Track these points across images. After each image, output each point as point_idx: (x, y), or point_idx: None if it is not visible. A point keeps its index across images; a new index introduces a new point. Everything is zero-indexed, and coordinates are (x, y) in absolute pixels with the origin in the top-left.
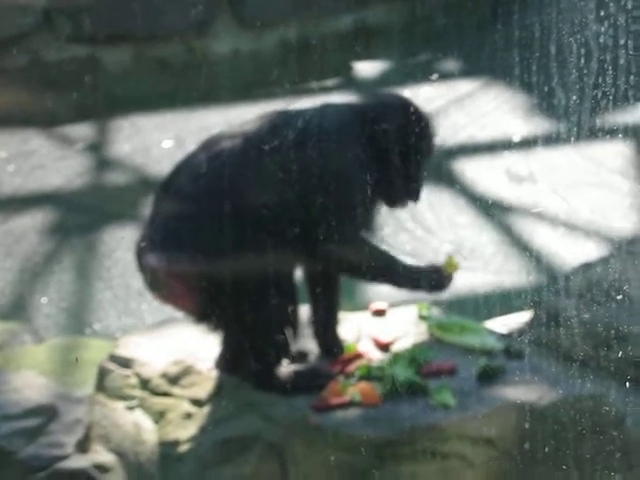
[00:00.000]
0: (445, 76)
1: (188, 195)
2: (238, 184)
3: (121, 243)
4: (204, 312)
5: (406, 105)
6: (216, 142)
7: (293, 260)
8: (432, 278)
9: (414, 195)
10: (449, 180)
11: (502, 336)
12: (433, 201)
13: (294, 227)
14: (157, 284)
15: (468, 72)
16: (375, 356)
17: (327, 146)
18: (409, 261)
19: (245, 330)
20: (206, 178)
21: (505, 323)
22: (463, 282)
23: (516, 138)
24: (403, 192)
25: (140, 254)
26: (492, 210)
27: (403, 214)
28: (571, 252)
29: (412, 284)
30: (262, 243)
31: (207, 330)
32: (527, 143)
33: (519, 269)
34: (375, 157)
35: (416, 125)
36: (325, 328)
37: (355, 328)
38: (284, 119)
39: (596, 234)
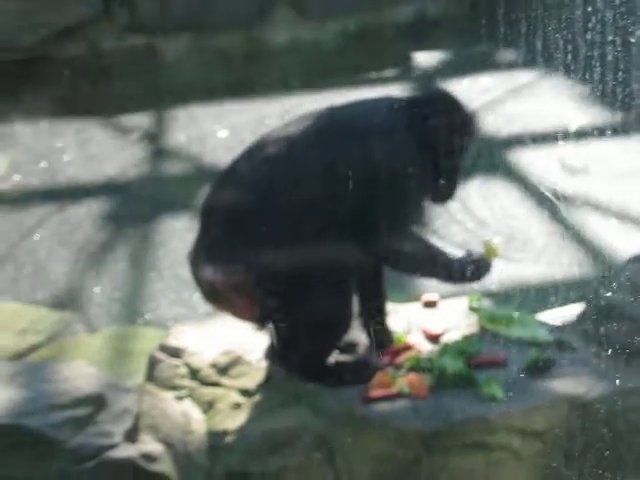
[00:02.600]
0: (504, 66)
1: (244, 203)
2: (296, 189)
3: (175, 233)
4: (263, 317)
5: (451, 101)
6: (268, 144)
7: (349, 254)
8: (470, 268)
9: (452, 190)
10: (503, 171)
11: (552, 328)
12: (486, 192)
13: (350, 223)
14: (215, 296)
15: (526, 63)
16: (425, 348)
17: (378, 141)
18: (456, 252)
19: (298, 323)
20: (262, 184)
21: (557, 315)
22: (514, 273)
23: (572, 129)
24: (445, 187)
25: (196, 266)
26: (545, 201)
27: (454, 206)
28: (623, 244)
29: (451, 277)
30: (321, 239)
31: (258, 327)
32: (583, 134)
33: (571, 261)
34: (422, 152)
35: (461, 121)
36: (374, 319)
37: (405, 319)
38: (334, 116)
39: None
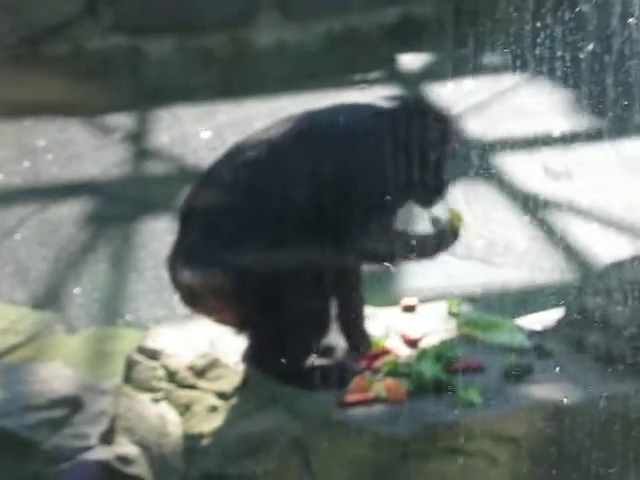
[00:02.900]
0: (488, 70)
1: (222, 206)
2: (274, 192)
3: (156, 234)
4: (243, 320)
5: (428, 108)
6: (248, 148)
7: (326, 256)
8: (440, 239)
9: (440, 194)
10: (487, 175)
11: (532, 334)
12: (469, 196)
13: (327, 225)
14: (193, 299)
15: (510, 67)
16: (403, 352)
17: (354, 146)
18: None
19: (276, 326)
20: (241, 187)
21: (536, 321)
22: (495, 278)
23: (555, 133)
24: (428, 191)
25: (174, 269)
26: (528, 206)
27: (438, 210)
28: (605, 250)
29: (425, 254)
30: (298, 242)
31: (237, 331)
32: (565, 139)
33: (552, 266)
34: (400, 157)
35: (439, 127)
36: (352, 323)
37: (384, 324)
38: (314, 120)
39: (630, 232)
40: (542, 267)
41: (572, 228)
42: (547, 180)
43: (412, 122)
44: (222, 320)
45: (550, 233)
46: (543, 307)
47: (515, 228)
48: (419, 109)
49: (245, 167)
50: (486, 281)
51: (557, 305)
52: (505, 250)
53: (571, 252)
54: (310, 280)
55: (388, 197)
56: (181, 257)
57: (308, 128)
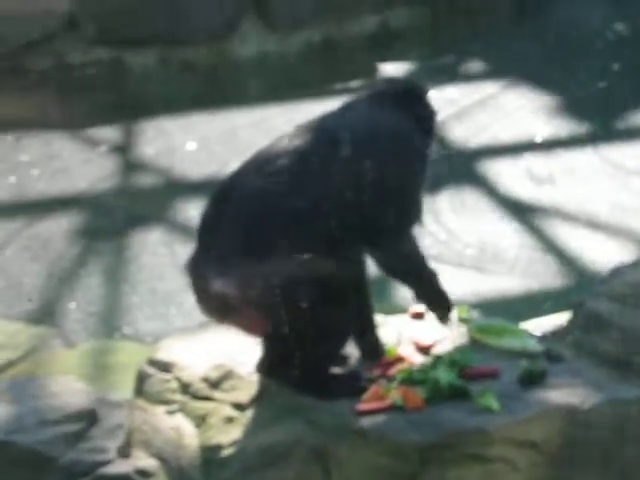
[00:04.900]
0: (469, 77)
1: (257, 215)
2: (310, 199)
3: (147, 246)
4: (271, 329)
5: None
6: (275, 155)
7: (359, 262)
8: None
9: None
10: (472, 181)
11: (543, 339)
12: (456, 203)
13: (363, 229)
14: (223, 309)
15: (491, 73)
16: (416, 359)
17: (388, 144)
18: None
19: (304, 335)
20: (276, 195)
21: (538, 326)
22: (489, 286)
23: (538, 139)
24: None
25: (204, 278)
26: (514, 212)
27: (426, 217)
28: (593, 254)
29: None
30: (332, 250)
31: (261, 340)
32: (549, 144)
33: (544, 272)
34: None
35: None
36: (365, 331)
37: (395, 331)
38: (336, 125)
39: (616, 236)
40: (534, 273)
41: (560, 233)
42: (532, 186)
43: (422, 106)
44: (249, 329)
45: (539, 239)
46: (540, 313)
47: (504, 235)
48: (418, 93)
49: (278, 175)
50: (481, 289)
51: (556, 310)
52: (495, 257)
53: (562, 257)
54: (338, 289)
55: (419, 191)
56: (214, 265)
57: (334, 133)
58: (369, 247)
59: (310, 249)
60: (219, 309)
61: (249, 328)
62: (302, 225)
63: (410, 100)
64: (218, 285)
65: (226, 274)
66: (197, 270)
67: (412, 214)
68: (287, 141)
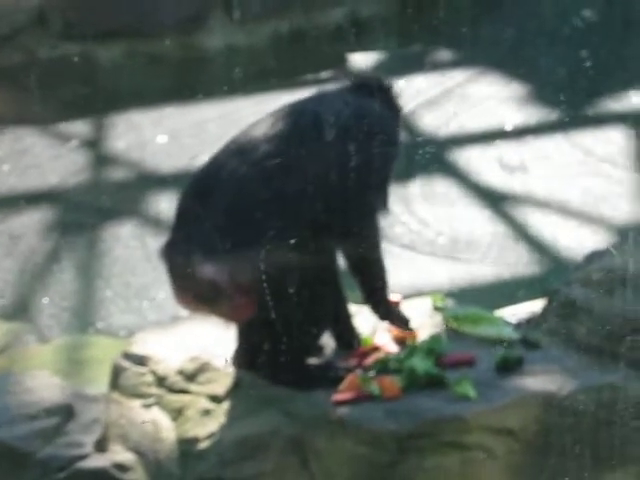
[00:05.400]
0: (437, 66)
1: (240, 200)
2: (292, 183)
3: (120, 240)
4: (252, 318)
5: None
6: (252, 142)
7: (328, 253)
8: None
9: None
10: (442, 170)
11: (518, 326)
12: (427, 192)
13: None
14: (203, 296)
15: (460, 62)
16: (392, 349)
17: (363, 130)
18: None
19: (277, 326)
20: (260, 179)
21: (513, 313)
22: (462, 274)
23: (508, 127)
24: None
25: (185, 265)
26: (486, 200)
27: (397, 206)
28: (565, 241)
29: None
30: (315, 234)
31: (238, 328)
32: (519, 132)
33: (517, 259)
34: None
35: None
36: (340, 321)
37: (370, 321)
38: (314, 110)
39: (588, 222)
40: (506, 261)
41: (532, 221)
42: (503, 173)
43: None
44: (226, 315)
45: (511, 226)
46: (514, 300)
47: (476, 223)
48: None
49: (256, 160)
50: (454, 277)
51: (530, 298)
52: (468, 245)
53: (534, 244)
54: (315, 277)
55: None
56: (193, 250)
57: (314, 117)
58: (335, 233)
59: (287, 235)
60: (196, 295)
61: (226, 315)
62: (279, 209)
63: (378, 92)
64: (199, 269)
65: (206, 259)
66: (175, 256)
67: (376, 201)
68: (261, 127)
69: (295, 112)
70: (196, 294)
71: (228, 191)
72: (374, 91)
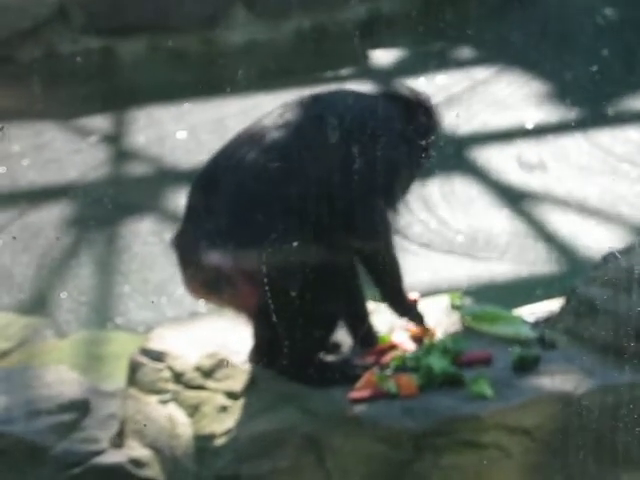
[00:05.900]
0: (459, 64)
1: (251, 188)
2: (306, 173)
3: (139, 236)
4: (262, 308)
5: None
6: (264, 132)
7: (346, 251)
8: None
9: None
10: (461, 168)
11: (536, 325)
12: (446, 190)
13: (341, 212)
14: (214, 284)
15: (482, 60)
16: (409, 347)
17: (377, 127)
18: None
19: (291, 322)
20: (270, 169)
21: (531, 312)
22: (481, 272)
23: (528, 126)
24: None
25: (194, 251)
26: (504, 199)
27: (416, 205)
28: (584, 240)
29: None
30: (325, 226)
31: (250, 319)
32: (539, 131)
33: (535, 258)
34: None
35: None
36: (358, 319)
37: (387, 319)
38: (327, 104)
39: (607, 221)
40: (526, 259)
41: (551, 220)
42: (522, 172)
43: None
44: (237, 305)
45: (530, 225)
46: (532, 299)
47: (495, 221)
48: (407, 97)
49: (270, 150)
50: (471, 275)
51: (548, 296)
52: (486, 244)
53: (553, 243)
54: (327, 270)
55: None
56: (206, 239)
57: (327, 111)
58: (340, 229)
59: (292, 228)
60: (204, 282)
61: (233, 302)
62: (285, 201)
63: (410, 103)
64: (205, 257)
65: (212, 246)
66: (184, 244)
67: (385, 200)
68: (271, 119)
69: (306, 105)
70: (204, 281)
71: (236, 181)
72: (404, 100)
